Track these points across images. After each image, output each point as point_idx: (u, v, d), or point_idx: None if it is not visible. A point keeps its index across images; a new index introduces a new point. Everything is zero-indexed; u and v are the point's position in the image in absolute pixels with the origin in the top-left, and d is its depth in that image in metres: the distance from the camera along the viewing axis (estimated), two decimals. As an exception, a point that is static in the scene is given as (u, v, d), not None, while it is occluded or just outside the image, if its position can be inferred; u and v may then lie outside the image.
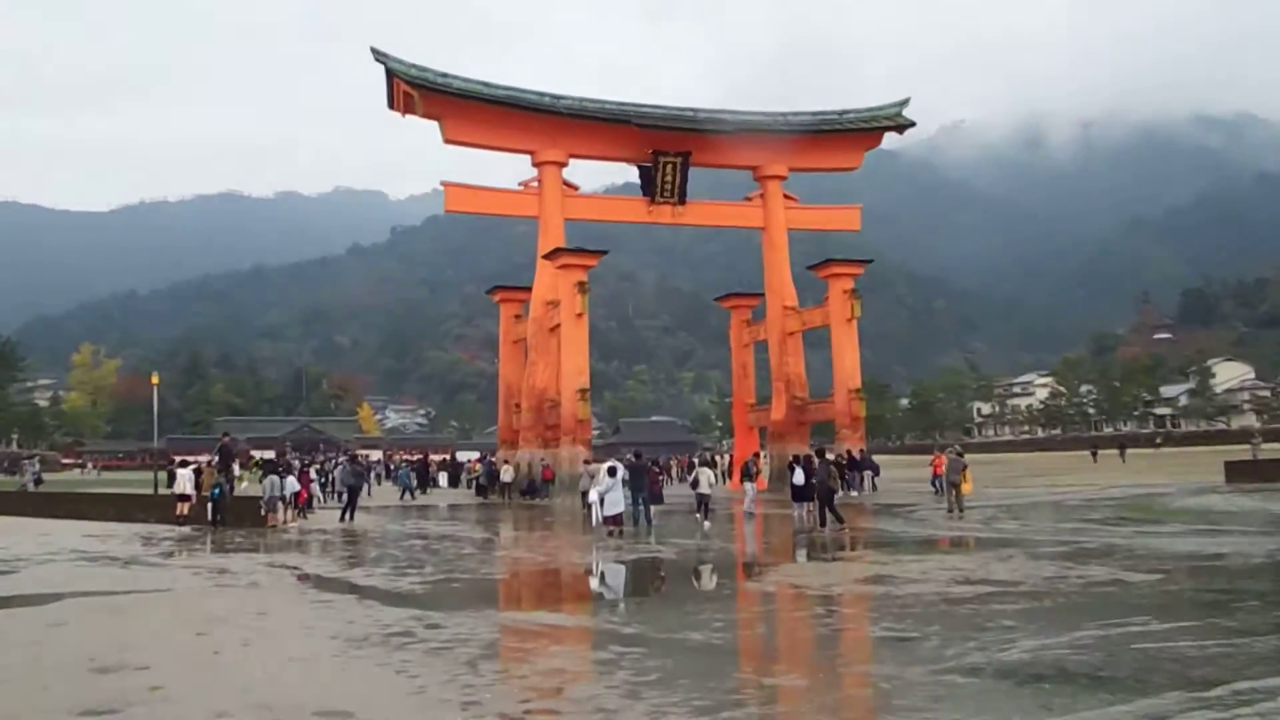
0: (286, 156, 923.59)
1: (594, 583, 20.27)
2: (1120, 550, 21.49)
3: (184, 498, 33.26)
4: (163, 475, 46.89)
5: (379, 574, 20.50)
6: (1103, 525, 27.67)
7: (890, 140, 62.41)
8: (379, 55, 50.67)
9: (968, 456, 36.85)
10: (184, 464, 36.06)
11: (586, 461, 43.62)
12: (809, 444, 59.04)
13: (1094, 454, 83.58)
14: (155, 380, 53.49)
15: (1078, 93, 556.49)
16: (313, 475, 44.49)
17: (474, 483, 57.23)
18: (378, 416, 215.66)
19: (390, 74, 50.97)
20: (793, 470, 32.52)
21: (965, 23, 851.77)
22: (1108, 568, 18.76)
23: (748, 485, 36.94)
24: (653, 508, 31.88)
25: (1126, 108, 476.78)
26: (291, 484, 34.53)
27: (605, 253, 53.41)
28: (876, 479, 49.69)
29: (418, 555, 24.18)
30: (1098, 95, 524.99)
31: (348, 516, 35.16)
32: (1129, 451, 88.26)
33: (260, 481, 36.30)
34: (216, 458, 38.50)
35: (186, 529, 32.04)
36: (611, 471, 29.59)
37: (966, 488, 34.85)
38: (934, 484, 43.46)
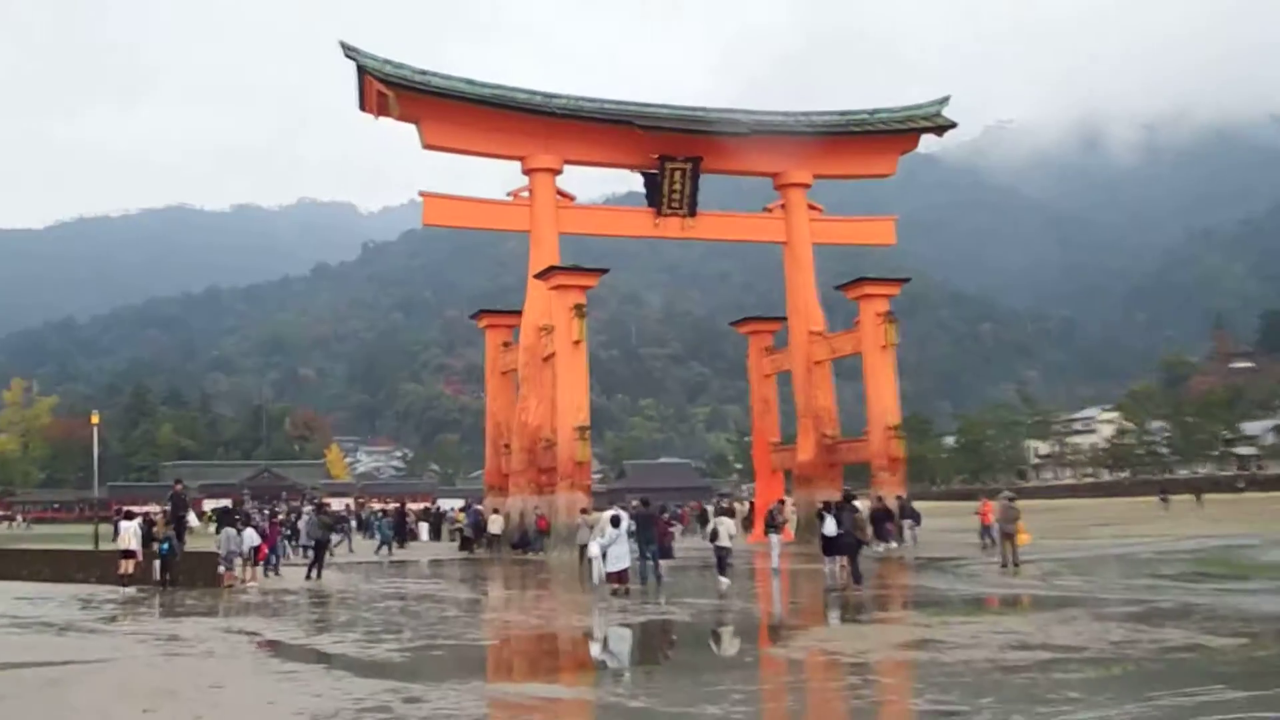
0: (244, 165, 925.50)
1: (596, 649, 20.21)
2: (1199, 610, 21.41)
3: (128, 554, 33.14)
4: (105, 528, 46.83)
5: (350, 640, 20.43)
6: (1178, 582, 27.59)
7: (928, 143, 62.52)
8: (349, 51, 50.81)
9: (1022, 503, 36.73)
10: (128, 515, 35.92)
11: (584, 510, 43.56)
12: (841, 489, 58.97)
13: (1164, 499, 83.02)
14: (95, 420, 53.42)
15: (1139, 89, 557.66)
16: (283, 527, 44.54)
17: (458, 534, 57.14)
18: (348, 459, 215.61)
19: (362, 71, 51.09)
20: (822, 519, 32.40)
21: (1012, 11, 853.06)
22: (1185, 630, 18.68)
23: (773, 537, 36.80)
24: (663, 562, 31.76)
25: (1194, 105, 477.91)
26: (251, 537, 34.41)
27: (606, 271, 53.41)
28: (917, 529, 49.59)
29: (394, 618, 24.14)
30: (1162, 91, 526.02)
31: (314, 574, 35.09)
32: (1205, 496, 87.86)
33: (216, 533, 36.28)
34: (168, 508, 38.40)
35: (131, 590, 31.93)
36: (615, 521, 29.47)
37: (1023, 539, 34.77)
38: (983, 535, 43.31)
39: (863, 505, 37.19)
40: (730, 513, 51.71)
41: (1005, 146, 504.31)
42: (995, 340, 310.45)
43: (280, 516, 51.75)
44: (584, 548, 40.20)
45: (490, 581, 36.51)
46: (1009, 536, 33.23)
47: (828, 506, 33.51)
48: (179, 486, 39.82)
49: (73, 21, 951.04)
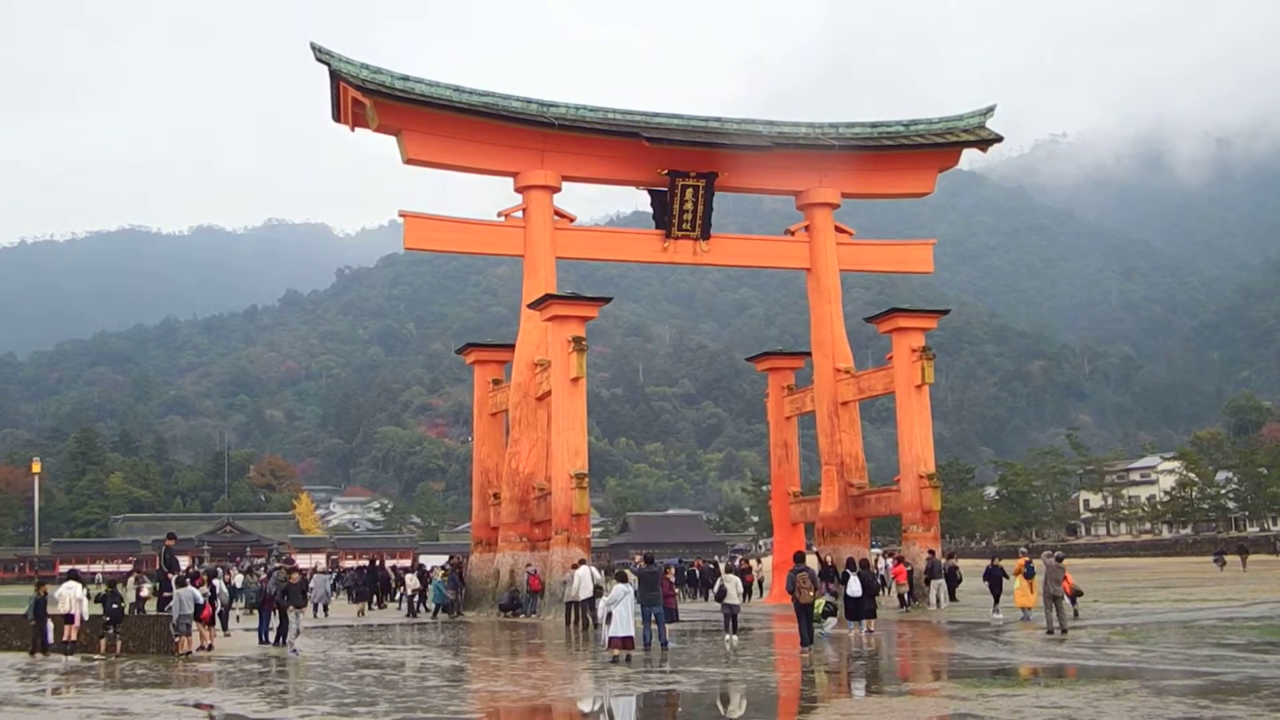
0: (205, 183, 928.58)
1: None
2: (1268, 685, 21.42)
3: (70, 619, 33.15)
4: (50, 589, 46.85)
5: (320, 713, 20.49)
6: (1246, 652, 27.56)
7: (971, 159, 62.74)
8: (321, 54, 50.88)
9: (1071, 562, 37.04)
10: (73, 575, 35.89)
11: (575, 565, 43.48)
12: (869, 545, 58.94)
13: (1220, 560, 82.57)
14: (37, 468, 53.74)
15: (1210, 99, 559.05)
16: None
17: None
18: (319, 511, 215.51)
19: (336, 77, 51.22)
20: (846, 579, 32.60)
21: (1066, 12, 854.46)
22: (1252, 707, 18.72)
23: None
24: (668, 626, 32.02)
25: (1273, 117, 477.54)
26: (195, 596, 34.26)
27: (609, 300, 53.55)
28: (956, 589, 49.77)
29: (368, 688, 24.15)
30: (1236, 102, 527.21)
31: (281, 639, 35.14)
32: (1250, 558, 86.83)
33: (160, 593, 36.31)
34: (161, 565, 38.60)
35: (75, 659, 32.02)
36: (621, 577, 29.83)
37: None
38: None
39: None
40: (743, 571, 52.02)
41: (1058, 163, 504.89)
42: (1045, 380, 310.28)
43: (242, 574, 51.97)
44: (570, 606, 40.62)
45: (476, 647, 36.50)
46: (1057, 599, 33.35)
47: (852, 565, 33.79)
48: (171, 541, 39.60)
49: (6, 21, 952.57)
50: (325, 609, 52.14)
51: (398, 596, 59.80)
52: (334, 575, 70.14)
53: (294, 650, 33.03)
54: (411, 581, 55.26)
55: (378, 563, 65.06)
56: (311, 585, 48.47)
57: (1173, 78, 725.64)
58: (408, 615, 52.95)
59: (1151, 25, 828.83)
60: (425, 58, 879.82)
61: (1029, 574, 38.92)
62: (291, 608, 34.74)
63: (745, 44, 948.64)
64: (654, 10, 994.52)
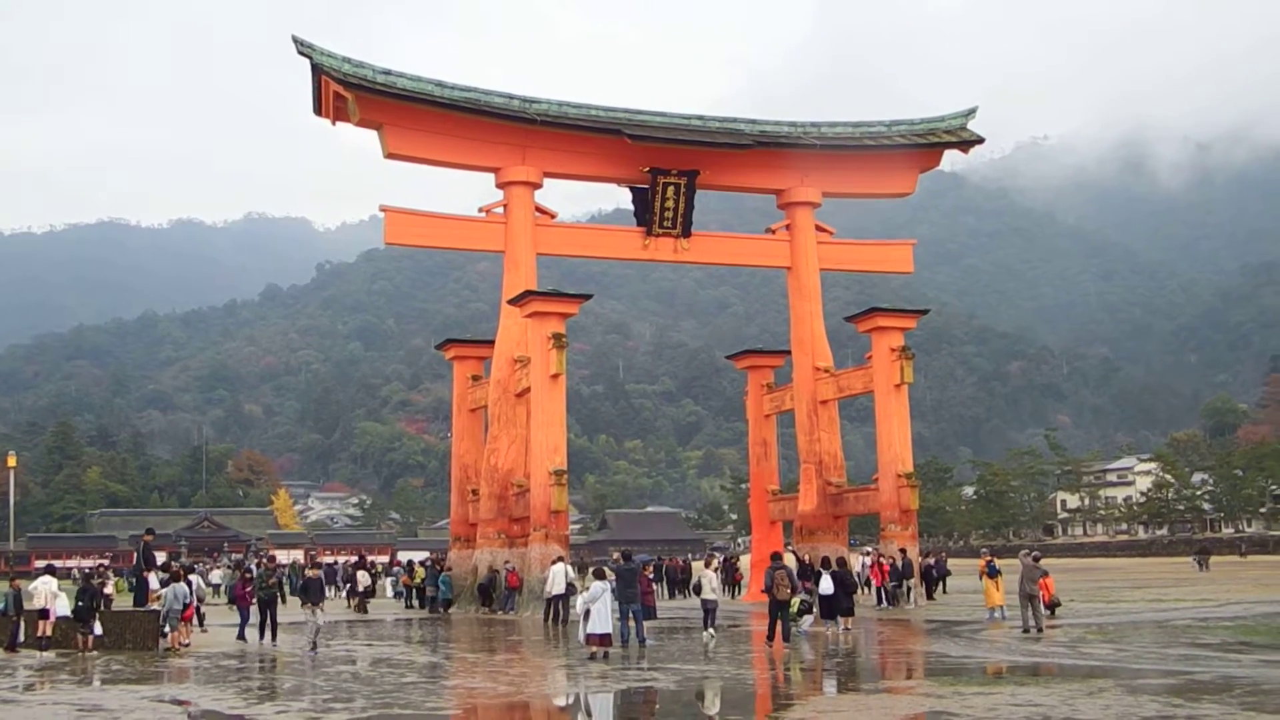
0: (184, 175, 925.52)
1: (571, 720, 20.29)
2: (1241, 684, 21.53)
3: (44, 614, 33.04)
4: (27, 584, 46.72)
5: (296, 710, 20.46)
6: (1219, 651, 27.68)
7: (953, 159, 62.76)
8: (303, 47, 50.73)
9: (1048, 562, 37.27)
10: (50, 570, 35.83)
11: (557, 561, 43.41)
12: (848, 543, 59.03)
13: (1199, 561, 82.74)
14: (12, 462, 53.52)
15: (1191, 105, 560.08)
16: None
17: (416, 591, 56.89)
18: (298, 507, 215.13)
19: (317, 70, 51.07)
20: (818, 577, 32.81)
21: (1052, 17, 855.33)
22: (1224, 706, 18.80)
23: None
24: (646, 623, 32.10)
25: (1253, 125, 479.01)
26: (184, 592, 34.26)
27: (589, 297, 53.39)
28: (934, 587, 50.05)
29: (346, 685, 24.15)
30: (1217, 109, 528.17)
31: (265, 635, 35.11)
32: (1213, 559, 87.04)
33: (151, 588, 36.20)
34: (138, 561, 38.49)
35: (50, 654, 31.90)
36: (600, 574, 29.90)
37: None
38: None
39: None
40: (734, 568, 52.14)
41: (1040, 166, 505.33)
42: (1024, 381, 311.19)
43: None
44: (550, 602, 40.76)
45: (455, 643, 36.50)
46: (1033, 598, 33.50)
47: (826, 563, 33.95)
48: (149, 537, 39.46)
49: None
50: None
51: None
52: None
53: (314, 649, 32.47)
54: (363, 579, 55.20)
55: (368, 559, 65.16)
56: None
57: (1155, 83, 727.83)
58: (357, 610, 52.76)
59: (1135, 32, 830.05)
60: (410, 52, 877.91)
61: (992, 573, 39.23)
62: (309, 604, 34.51)
63: (734, 43, 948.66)
64: (643, 8, 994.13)
